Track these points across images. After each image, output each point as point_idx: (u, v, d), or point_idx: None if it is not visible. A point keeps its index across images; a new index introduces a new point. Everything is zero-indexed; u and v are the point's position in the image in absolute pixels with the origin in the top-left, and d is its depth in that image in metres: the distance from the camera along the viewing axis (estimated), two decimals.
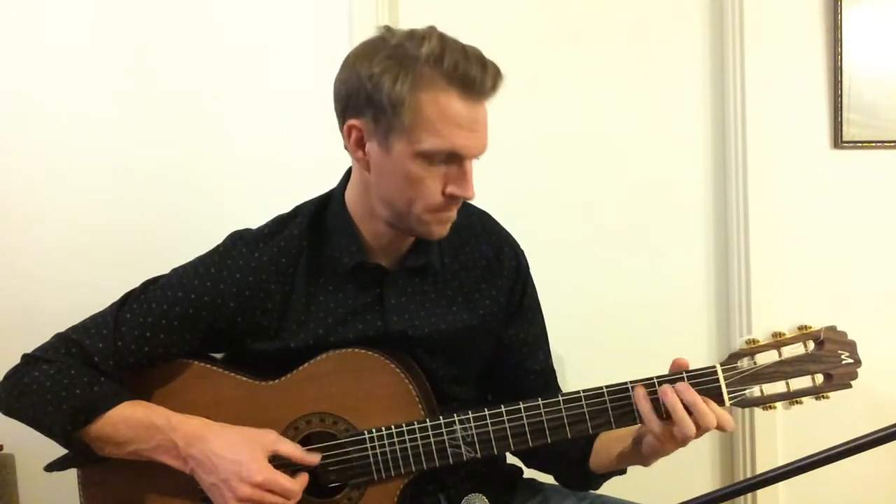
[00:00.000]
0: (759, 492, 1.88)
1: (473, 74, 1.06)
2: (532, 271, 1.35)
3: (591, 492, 1.32)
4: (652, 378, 1.10)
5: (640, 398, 1.09)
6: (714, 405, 1.08)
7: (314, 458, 1.15)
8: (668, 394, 1.08)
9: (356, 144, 1.13)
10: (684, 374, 1.10)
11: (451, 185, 1.11)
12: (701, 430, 1.07)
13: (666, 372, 1.12)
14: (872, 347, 1.12)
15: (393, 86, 1.06)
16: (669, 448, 1.11)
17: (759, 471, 1.38)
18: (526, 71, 1.91)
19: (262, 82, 1.89)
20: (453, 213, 1.17)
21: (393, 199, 1.14)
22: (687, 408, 1.07)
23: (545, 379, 1.33)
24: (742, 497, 1.98)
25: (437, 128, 1.07)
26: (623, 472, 1.24)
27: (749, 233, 1.95)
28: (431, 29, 1.10)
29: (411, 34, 1.09)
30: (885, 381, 1.88)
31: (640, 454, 1.15)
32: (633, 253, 1.99)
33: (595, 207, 1.99)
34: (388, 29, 1.12)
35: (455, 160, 1.10)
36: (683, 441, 1.09)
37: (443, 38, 1.08)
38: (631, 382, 1.11)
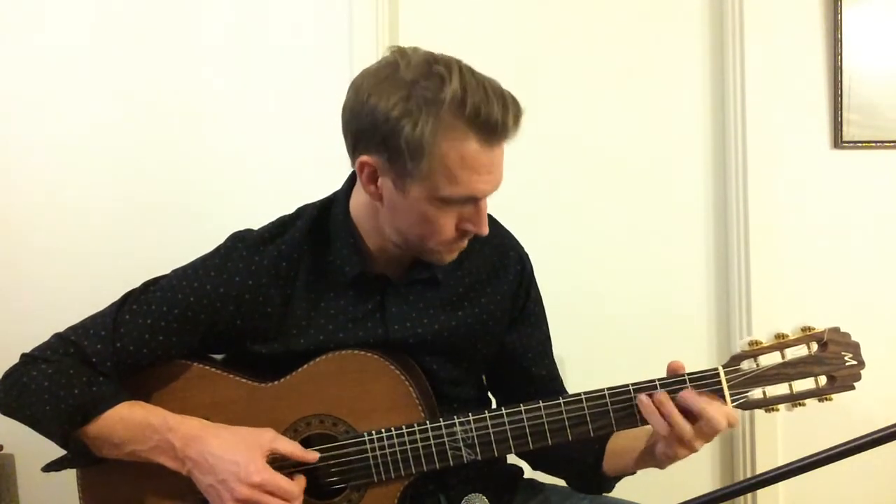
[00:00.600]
0: (759, 492, 1.88)
1: (495, 117, 1.03)
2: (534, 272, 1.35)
3: None
4: (654, 380, 1.10)
5: (645, 405, 1.09)
6: (718, 404, 1.07)
7: (313, 455, 1.15)
8: (665, 404, 1.07)
9: (368, 179, 1.11)
10: (686, 377, 1.09)
11: (465, 223, 1.11)
12: (710, 435, 1.07)
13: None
14: (872, 347, 1.11)
15: (413, 132, 1.02)
16: (682, 453, 1.10)
17: (759, 471, 1.38)
18: (525, 71, 1.91)
19: (262, 82, 1.88)
20: (465, 243, 1.17)
21: (405, 232, 1.13)
22: (694, 414, 1.06)
23: (552, 384, 1.33)
24: (742, 497, 1.98)
25: (456, 175, 1.05)
26: (634, 472, 1.23)
27: (749, 233, 1.95)
28: (449, 62, 1.05)
29: (429, 69, 1.04)
30: (885, 382, 1.88)
31: (654, 458, 1.14)
32: (633, 253, 1.99)
33: (595, 207, 1.99)
34: (400, 54, 1.07)
35: (471, 202, 1.10)
36: (692, 447, 1.08)
37: (463, 77, 1.03)
38: (632, 384, 1.11)
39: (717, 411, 1.06)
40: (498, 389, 1.37)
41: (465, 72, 1.04)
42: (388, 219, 1.14)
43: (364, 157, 1.09)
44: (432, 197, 1.07)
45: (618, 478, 1.26)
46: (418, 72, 1.04)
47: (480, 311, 1.26)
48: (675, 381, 1.10)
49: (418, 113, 1.02)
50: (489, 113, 1.02)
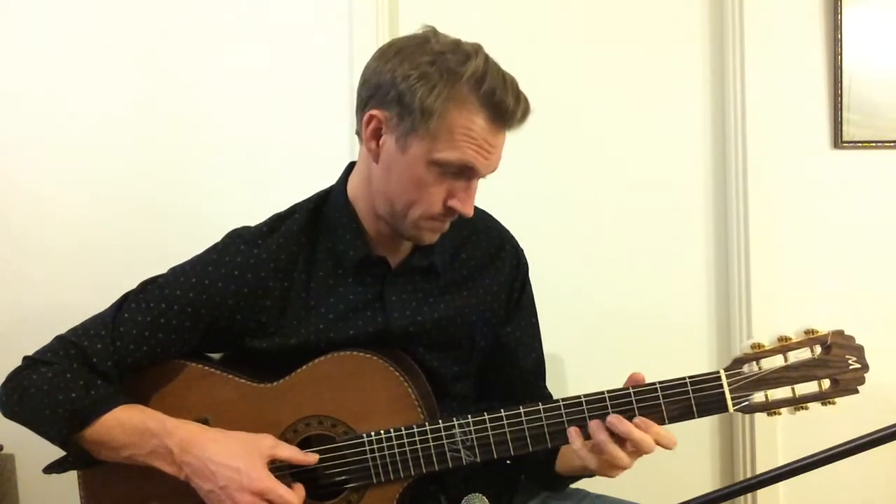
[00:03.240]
0: (759, 492, 1.88)
1: (507, 104, 1.09)
2: (531, 273, 1.36)
3: (591, 492, 1.32)
4: (654, 383, 1.10)
5: (575, 438, 1.09)
6: (652, 426, 1.07)
7: (312, 458, 1.15)
8: (598, 432, 1.08)
9: (372, 134, 1.14)
10: (688, 381, 1.09)
11: (453, 199, 1.13)
12: (638, 455, 1.08)
13: (667, 374, 1.11)
14: (872, 348, 1.11)
15: (428, 94, 1.07)
16: (614, 473, 1.10)
17: (759, 471, 1.38)
18: (525, 72, 1.90)
19: (261, 82, 1.88)
20: (447, 225, 1.19)
21: (394, 196, 1.15)
22: (622, 438, 1.07)
23: (534, 378, 1.34)
24: (742, 497, 1.98)
25: (458, 142, 1.09)
26: (592, 475, 1.22)
27: (749, 233, 1.95)
28: (478, 47, 1.12)
29: (457, 46, 1.11)
30: (885, 382, 1.88)
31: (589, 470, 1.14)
32: (633, 254, 1.99)
33: (595, 208, 1.99)
34: (434, 31, 1.14)
35: (464, 175, 1.12)
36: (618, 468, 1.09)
37: (487, 61, 1.10)
38: (633, 387, 1.10)
39: (644, 436, 1.06)
40: (485, 380, 1.36)
41: (489, 60, 1.11)
42: (381, 183, 1.16)
43: (374, 111, 1.12)
44: (430, 158, 1.10)
45: (573, 478, 1.26)
46: (447, 47, 1.10)
47: (477, 301, 1.27)
48: (674, 384, 1.09)
49: (438, 78, 1.08)
50: (503, 97, 1.09)
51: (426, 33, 1.13)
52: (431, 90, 1.07)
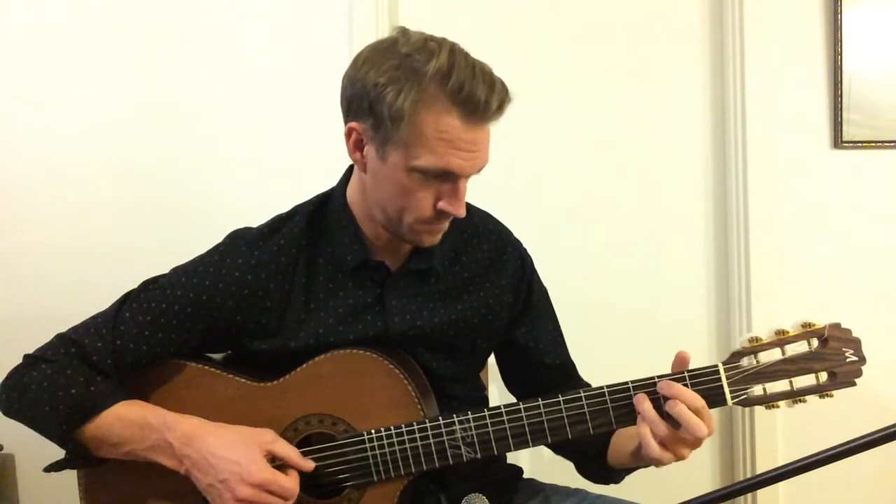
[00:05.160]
0: (759, 492, 1.89)
1: (478, 96, 1.04)
2: None
3: (591, 492, 1.32)
4: (653, 377, 1.10)
5: (641, 403, 1.08)
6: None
7: (309, 465, 1.15)
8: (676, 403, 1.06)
9: (355, 146, 1.14)
10: (686, 374, 1.09)
11: (442, 202, 1.11)
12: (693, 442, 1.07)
13: (667, 370, 1.11)
14: (872, 347, 1.11)
15: (395, 99, 1.04)
16: (667, 457, 1.08)
17: (759, 471, 1.38)
18: (525, 71, 1.91)
19: (261, 82, 1.88)
20: (445, 226, 1.18)
21: (385, 204, 1.14)
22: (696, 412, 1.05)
23: (565, 372, 1.33)
24: (742, 497, 1.98)
25: (434, 146, 1.06)
26: (647, 465, 1.20)
27: (749, 233, 1.95)
28: (444, 41, 1.08)
29: (424, 44, 1.07)
30: (884, 381, 1.88)
31: (646, 457, 1.12)
32: (634, 252, 1.99)
33: (595, 207, 1.99)
34: (403, 32, 1.10)
35: (449, 178, 1.10)
36: (696, 443, 1.07)
37: (453, 53, 1.06)
38: (632, 382, 1.10)
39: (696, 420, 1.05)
40: (515, 384, 1.37)
41: (456, 51, 1.07)
42: (372, 191, 1.16)
43: (352, 123, 1.12)
44: (408, 166, 1.08)
45: (627, 470, 1.24)
46: (414, 47, 1.07)
47: (479, 305, 1.26)
48: (674, 377, 1.09)
49: (404, 81, 1.05)
50: (472, 90, 1.04)
51: (395, 35, 1.11)
52: (398, 95, 1.04)
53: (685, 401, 1.05)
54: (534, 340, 1.31)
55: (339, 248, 1.21)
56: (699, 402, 1.06)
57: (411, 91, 1.04)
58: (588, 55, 1.97)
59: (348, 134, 1.13)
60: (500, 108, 1.08)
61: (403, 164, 1.08)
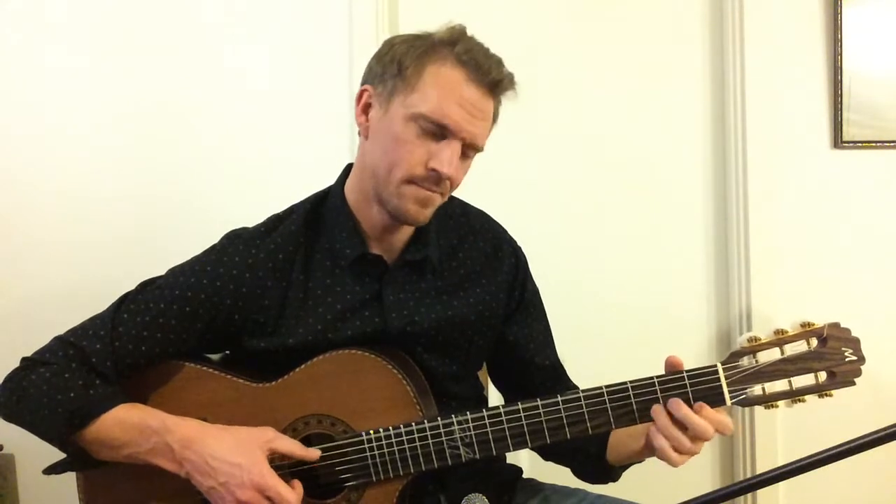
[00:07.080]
0: (759, 492, 1.88)
1: (485, 65, 1.12)
2: (532, 270, 1.35)
3: (591, 492, 1.32)
4: (652, 377, 1.10)
5: (659, 417, 1.09)
6: (708, 411, 1.07)
7: (314, 454, 1.15)
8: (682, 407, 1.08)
9: (363, 109, 1.18)
10: (685, 374, 1.09)
11: (433, 160, 1.12)
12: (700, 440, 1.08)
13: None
14: (872, 347, 1.11)
15: (406, 52, 1.13)
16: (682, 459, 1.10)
17: (759, 471, 1.38)
18: (526, 71, 1.90)
19: (261, 82, 1.89)
20: (434, 197, 1.17)
21: (377, 165, 1.15)
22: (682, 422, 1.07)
23: (555, 373, 1.33)
24: (742, 497, 1.97)
25: (435, 95, 1.11)
26: (642, 460, 1.22)
27: (749, 233, 1.95)
28: (462, 26, 1.17)
29: (442, 29, 1.17)
30: (884, 381, 1.88)
31: (651, 453, 1.13)
32: (634, 252, 1.99)
33: (595, 207, 1.99)
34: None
35: (444, 136, 1.12)
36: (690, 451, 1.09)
37: (465, 32, 1.16)
38: (630, 382, 1.10)
39: (701, 422, 1.06)
40: (502, 381, 1.37)
41: (471, 37, 1.16)
42: (369, 157, 1.18)
43: (365, 85, 1.19)
44: (410, 114, 1.12)
45: (624, 467, 1.25)
46: (442, 33, 1.16)
47: (476, 302, 1.26)
48: (672, 378, 1.09)
49: (417, 40, 1.15)
50: (479, 58, 1.13)
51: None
52: (410, 48, 1.13)
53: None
54: (525, 339, 1.31)
55: (338, 242, 1.22)
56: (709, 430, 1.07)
57: (422, 46, 1.13)
58: (588, 55, 1.97)
59: (359, 96, 1.19)
60: (502, 84, 1.15)
61: (404, 111, 1.12)
